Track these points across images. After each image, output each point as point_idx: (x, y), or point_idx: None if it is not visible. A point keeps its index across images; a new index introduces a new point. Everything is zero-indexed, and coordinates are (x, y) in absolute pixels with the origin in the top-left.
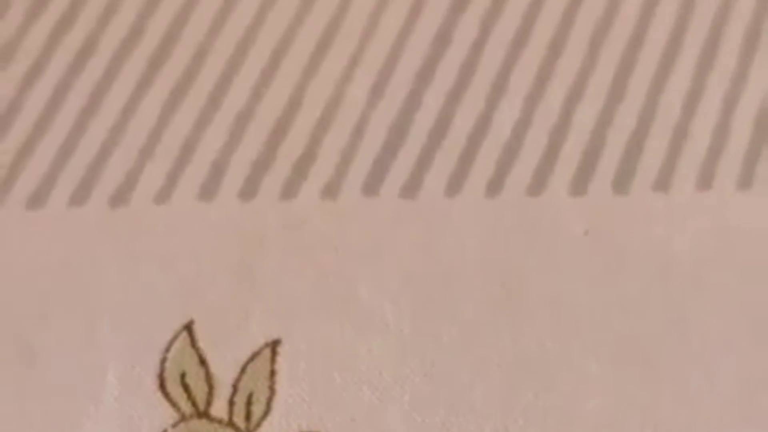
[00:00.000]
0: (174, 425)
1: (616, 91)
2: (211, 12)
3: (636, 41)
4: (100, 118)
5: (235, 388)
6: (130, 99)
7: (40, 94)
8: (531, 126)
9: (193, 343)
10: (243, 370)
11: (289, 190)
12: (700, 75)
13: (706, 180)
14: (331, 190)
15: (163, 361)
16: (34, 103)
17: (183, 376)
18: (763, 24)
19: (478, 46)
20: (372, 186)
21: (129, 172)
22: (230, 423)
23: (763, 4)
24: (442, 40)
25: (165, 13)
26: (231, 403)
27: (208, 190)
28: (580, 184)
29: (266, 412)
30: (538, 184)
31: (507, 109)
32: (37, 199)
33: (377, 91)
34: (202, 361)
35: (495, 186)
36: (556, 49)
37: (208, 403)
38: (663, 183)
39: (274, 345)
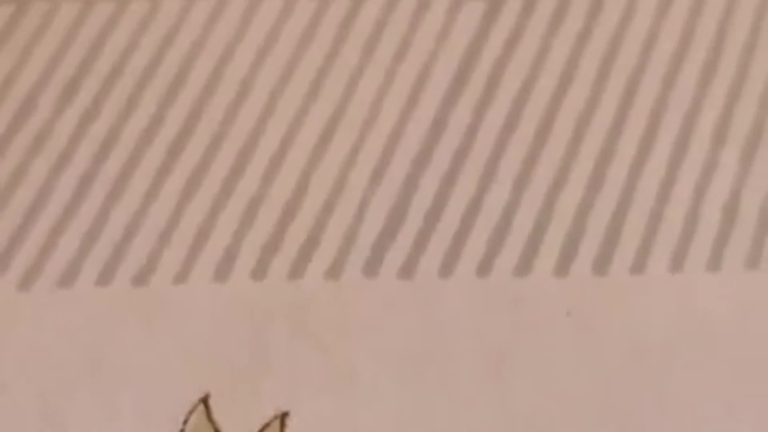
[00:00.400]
0: None
1: (597, 179)
2: (224, 104)
3: (615, 132)
4: (123, 204)
5: None
6: (151, 186)
7: (68, 182)
8: (518, 209)
9: (209, 415)
10: None
11: (296, 272)
12: (673, 164)
13: (678, 262)
14: (334, 272)
15: None
16: (63, 190)
17: None
18: (732, 117)
19: (470, 134)
20: (372, 267)
21: (149, 255)
22: None
23: (733, 98)
24: (437, 128)
25: (182, 104)
26: None
27: (222, 272)
28: (563, 266)
29: None
30: (525, 265)
31: (497, 194)
32: (67, 279)
33: (377, 176)
34: None
35: (485, 267)
36: (541, 138)
37: None
38: (639, 265)
39: (282, 417)
